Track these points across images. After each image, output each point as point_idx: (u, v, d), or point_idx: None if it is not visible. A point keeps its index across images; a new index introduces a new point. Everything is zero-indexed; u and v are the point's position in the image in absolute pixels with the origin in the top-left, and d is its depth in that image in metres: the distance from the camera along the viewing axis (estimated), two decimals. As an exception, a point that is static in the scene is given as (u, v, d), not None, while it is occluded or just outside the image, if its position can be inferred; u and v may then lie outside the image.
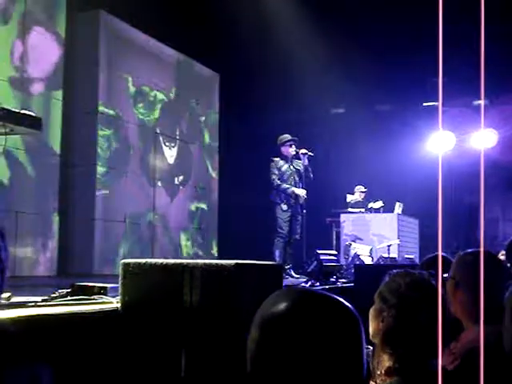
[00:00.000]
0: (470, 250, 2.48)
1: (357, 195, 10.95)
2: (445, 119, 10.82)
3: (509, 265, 3.16)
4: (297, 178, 8.16)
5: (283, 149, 8.20)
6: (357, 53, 10.45)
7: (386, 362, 1.86)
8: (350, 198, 10.92)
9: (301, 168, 8.16)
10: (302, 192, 8.05)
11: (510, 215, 13.34)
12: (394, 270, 2.01)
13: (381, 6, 9.91)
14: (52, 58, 7.85)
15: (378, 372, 1.86)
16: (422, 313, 1.83)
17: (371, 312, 1.97)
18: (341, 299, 1.16)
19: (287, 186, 8.04)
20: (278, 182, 8.04)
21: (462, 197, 12.47)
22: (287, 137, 8.24)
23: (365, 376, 1.14)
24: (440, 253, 2.60)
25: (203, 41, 10.26)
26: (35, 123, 4.20)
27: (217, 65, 11.24)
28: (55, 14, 7.94)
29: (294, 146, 8.19)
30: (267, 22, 10.31)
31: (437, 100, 11.39)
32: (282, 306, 1.12)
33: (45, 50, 7.75)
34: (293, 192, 8.03)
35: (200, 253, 10.78)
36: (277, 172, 8.08)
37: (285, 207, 8.04)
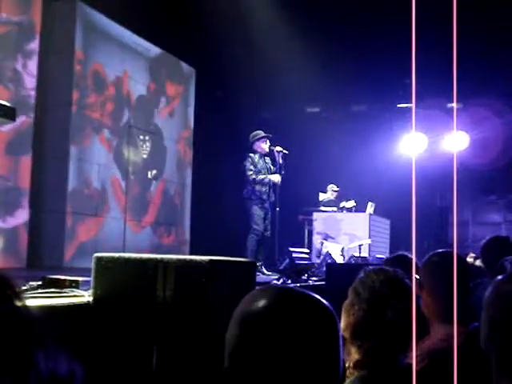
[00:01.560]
0: (436, 252, 2.52)
1: (329, 194, 11.01)
2: (418, 121, 10.92)
3: (480, 264, 3.22)
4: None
5: (257, 144, 8.21)
6: (333, 52, 10.52)
7: (354, 355, 1.90)
8: (322, 196, 10.98)
9: (270, 165, 8.24)
10: (277, 178, 8.09)
11: (480, 218, 13.53)
12: (370, 267, 2.05)
13: (356, 5, 9.98)
14: (26, 47, 7.74)
15: (347, 365, 1.89)
16: (391, 309, 1.87)
17: (344, 306, 2.00)
18: (318, 297, 1.18)
19: (262, 176, 8.07)
20: (255, 177, 8.06)
21: (433, 198, 12.62)
22: (261, 133, 8.26)
23: (341, 372, 1.17)
24: (414, 255, 2.64)
25: (180, 35, 10.23)
26: (9, 113, 4.15)
27: (193, 60, 11.21)
28: (30, 3, 7.83)
29: (268, 142, 8.22)
30: (244, 20, 10.31)
31: (410, 101, 11.50)
32: (262, 303, 1.14)
33: (19, 39, 7.64)
34: (270, 180, 8.08)
35: (173, 248, 10.74)
36: (253, 168, 8.09)
37: (260, 204, 8.07)
